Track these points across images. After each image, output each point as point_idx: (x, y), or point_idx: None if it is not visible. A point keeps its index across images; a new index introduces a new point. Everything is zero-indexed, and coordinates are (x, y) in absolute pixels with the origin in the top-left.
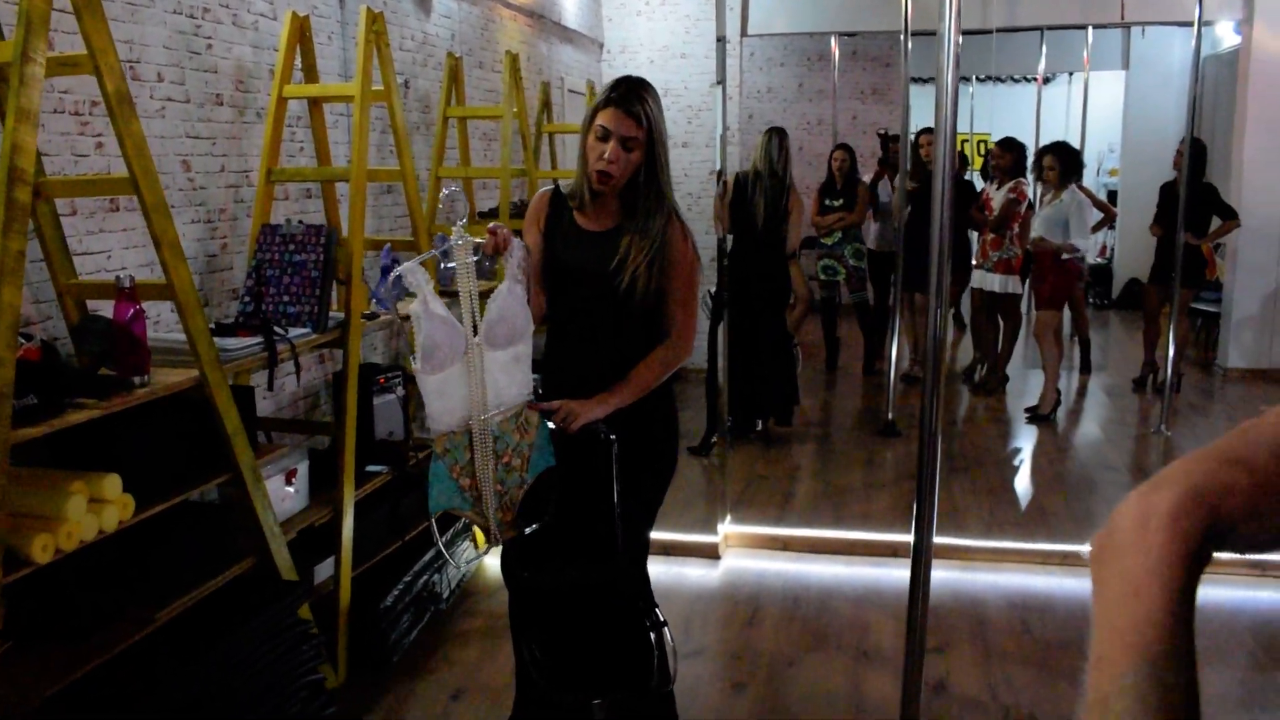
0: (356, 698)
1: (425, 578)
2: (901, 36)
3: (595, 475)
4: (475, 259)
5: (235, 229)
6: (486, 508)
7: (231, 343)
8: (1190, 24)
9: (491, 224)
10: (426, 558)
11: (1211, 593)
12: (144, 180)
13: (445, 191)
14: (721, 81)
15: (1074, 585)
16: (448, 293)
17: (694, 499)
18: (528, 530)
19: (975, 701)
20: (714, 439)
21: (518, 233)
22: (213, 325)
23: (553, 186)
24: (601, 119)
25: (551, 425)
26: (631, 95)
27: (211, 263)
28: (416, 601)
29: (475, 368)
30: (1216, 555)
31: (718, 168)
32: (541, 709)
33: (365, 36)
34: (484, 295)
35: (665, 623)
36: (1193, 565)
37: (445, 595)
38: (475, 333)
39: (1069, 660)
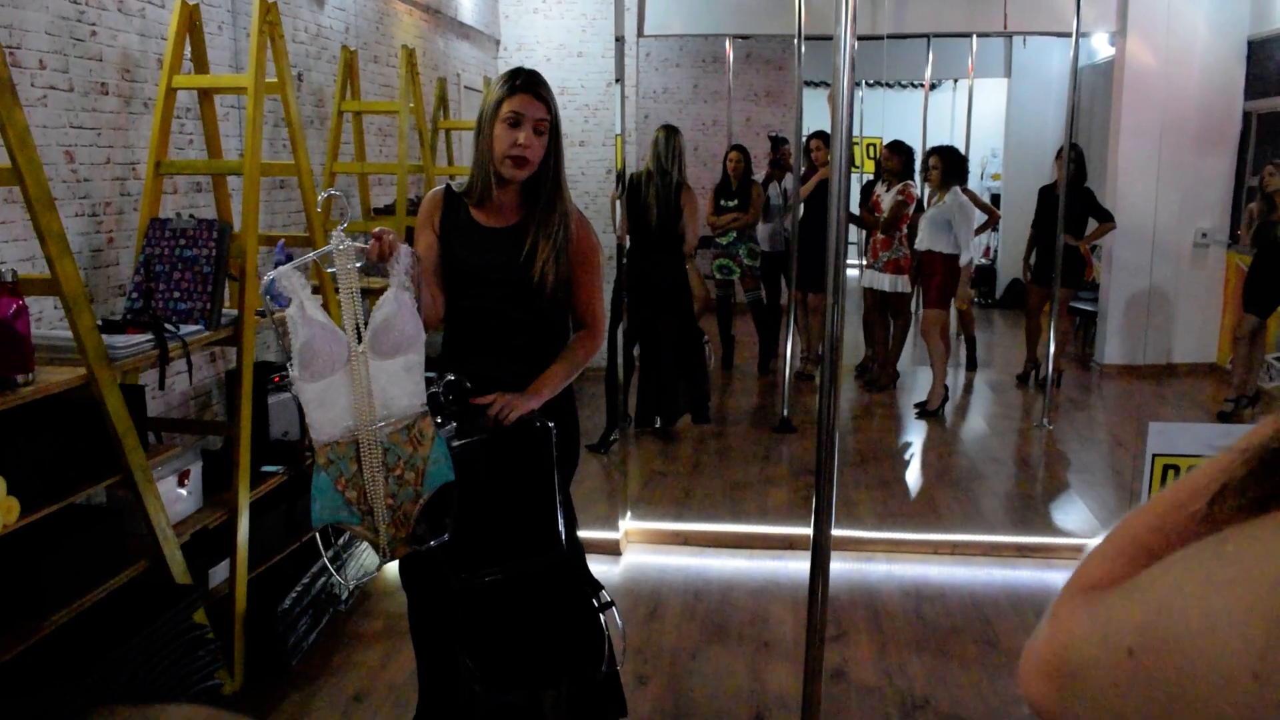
0: (255, 703)
1: (323, 579)
2: (795, 40)
3: (532, 466)
4: (359, 265)
5: (121, 223)
6: (378, 522)
7: (120, 340)
8: (1069, 35)
9: (377, 229)
10: (324, 559)
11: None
12: (28, 171)
13: (324, 194)
14: (620, 81)
15: (965, 573)
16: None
17: (594, 496)
18: (424, 547)
19: (872, 688)
20: (613, 437)
21: (410, 230)
22: (99, 322)
23: (444, 186)
24: (512, 105)
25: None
26: (536, 81)
27: (97, 257)
28: (315, 604)
29: (360, 377)
30: (1098, 540)
31: (616, 167)
32: (484, 713)
33: (259, 27)
34: (377, 293)
35: (613, 603)
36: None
37: (344, 597)
38: (360, 340)
39: (961, 646)
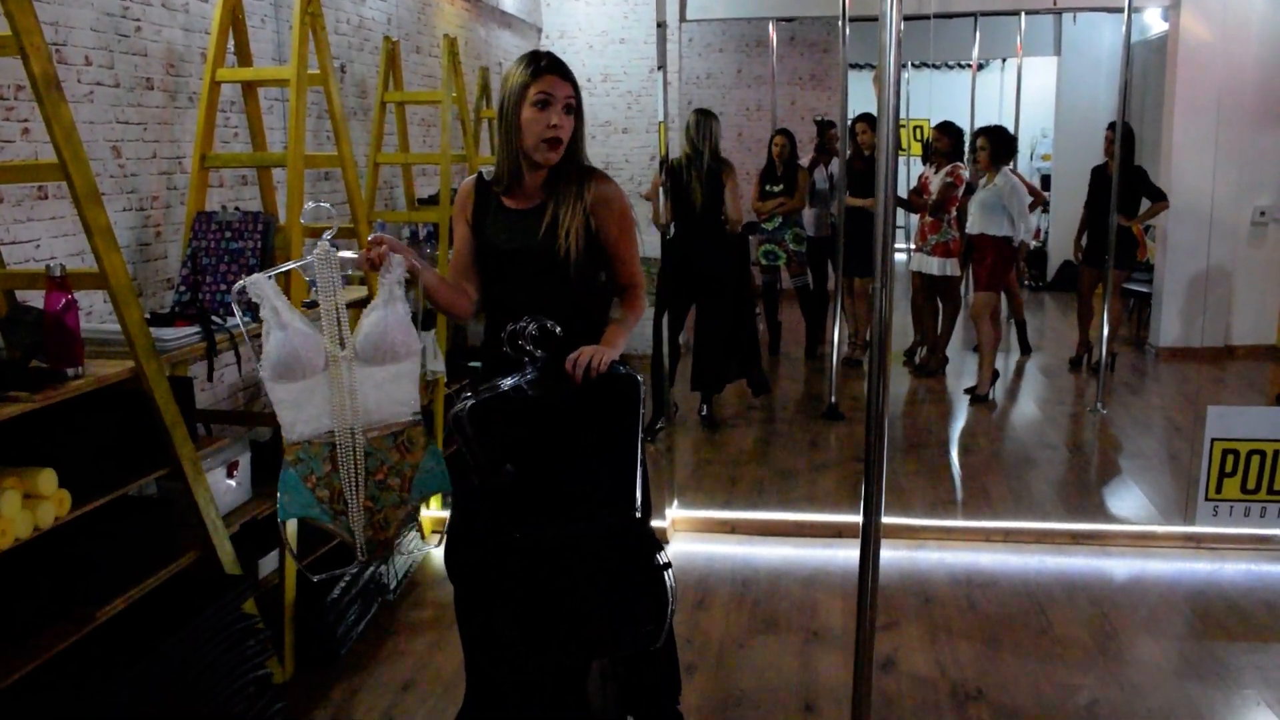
0: (305, 692)
1: (371, 569)
2: (839, 22)
3: (618, 419)
4: (344, 274)
5: (169, 216)
6: (352, 523)
7: (168, 333)
8: (1120, 10)
9: (372, 236)
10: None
11: (1149, 565)
12: (74, 166)
13: (309, 205)
14: (662, 67)
15: (1017, 561)
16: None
17: None
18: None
19: (924, 678)
20: (659, 425)
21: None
22: (148, 315)
23: (476, 176)
24: (541, 86)
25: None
26: (557, 61)
27: (145, 251)
28: (363, 593)
29: (341, 381)
30: (1155, 527)
31: (659, 154)
32: (528, 683)
33: (300, 19)
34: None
35: (670, 564)
36: None
37: (392, 586)
38: (343, 346)
39: (1013, 635)
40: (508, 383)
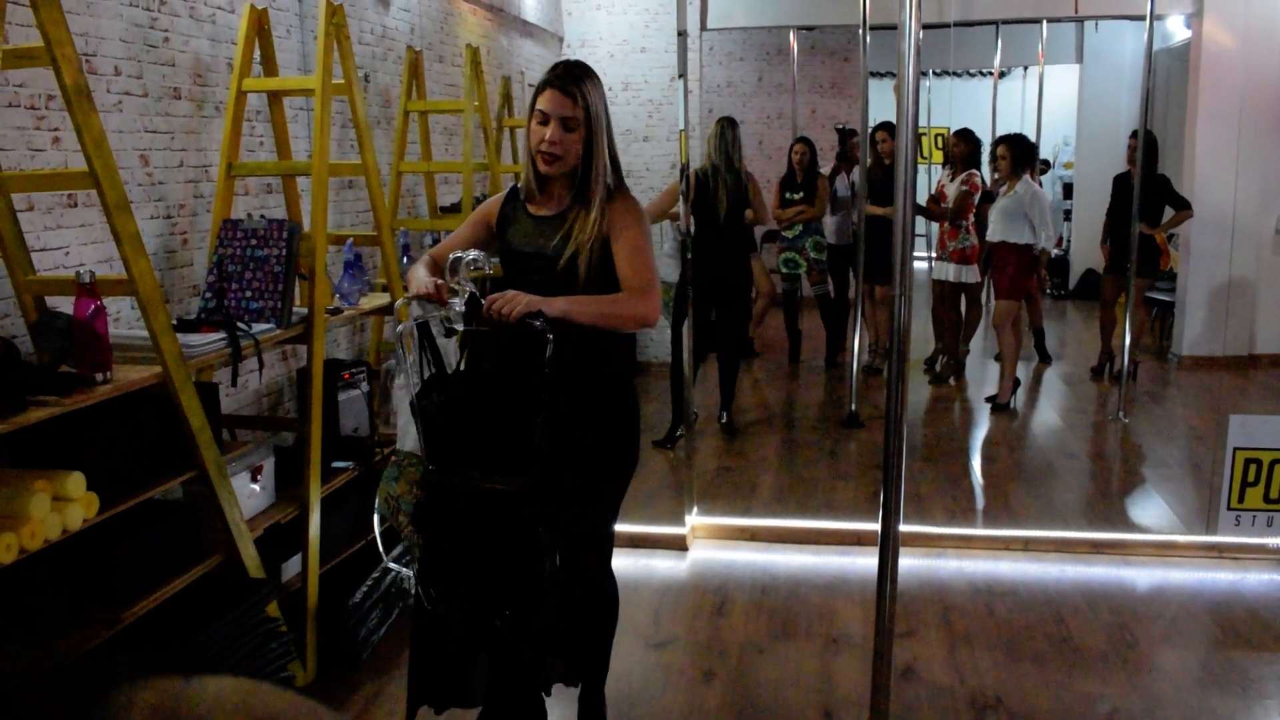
0: (327, 695)
1: (393, 573)
2: (860, 31)
3: (523, 375)
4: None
5: (195, 224)
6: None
7: (194, 339)
8: (1142, 18)
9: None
10: (395, 553)
11: (1171, 574)
12: (104, 175)
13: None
14: (683, 75)
15: (1037, 570)
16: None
17: (661, 491)
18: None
19: (943, 686)
20: (679, 432)
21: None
22: (174, 321)
23: (512, 185)
24: (540, 103)
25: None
26: (568, 76)
27: (172, 259)
28: (385, 597)
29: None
30: (1177, 537)
31: (680, 162)
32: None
33: (325, 29)
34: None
35: (553, 544)
36: None
37: (413, 591)
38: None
39: (1033, 644)
40: (445, 310)
